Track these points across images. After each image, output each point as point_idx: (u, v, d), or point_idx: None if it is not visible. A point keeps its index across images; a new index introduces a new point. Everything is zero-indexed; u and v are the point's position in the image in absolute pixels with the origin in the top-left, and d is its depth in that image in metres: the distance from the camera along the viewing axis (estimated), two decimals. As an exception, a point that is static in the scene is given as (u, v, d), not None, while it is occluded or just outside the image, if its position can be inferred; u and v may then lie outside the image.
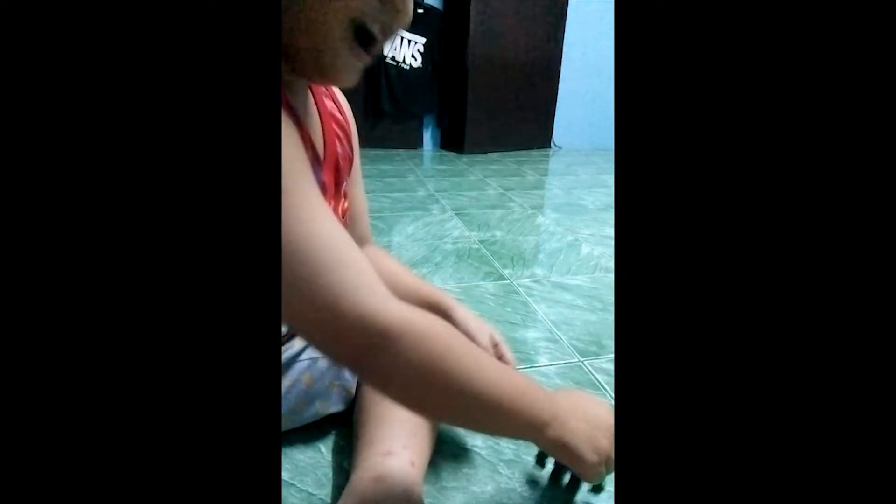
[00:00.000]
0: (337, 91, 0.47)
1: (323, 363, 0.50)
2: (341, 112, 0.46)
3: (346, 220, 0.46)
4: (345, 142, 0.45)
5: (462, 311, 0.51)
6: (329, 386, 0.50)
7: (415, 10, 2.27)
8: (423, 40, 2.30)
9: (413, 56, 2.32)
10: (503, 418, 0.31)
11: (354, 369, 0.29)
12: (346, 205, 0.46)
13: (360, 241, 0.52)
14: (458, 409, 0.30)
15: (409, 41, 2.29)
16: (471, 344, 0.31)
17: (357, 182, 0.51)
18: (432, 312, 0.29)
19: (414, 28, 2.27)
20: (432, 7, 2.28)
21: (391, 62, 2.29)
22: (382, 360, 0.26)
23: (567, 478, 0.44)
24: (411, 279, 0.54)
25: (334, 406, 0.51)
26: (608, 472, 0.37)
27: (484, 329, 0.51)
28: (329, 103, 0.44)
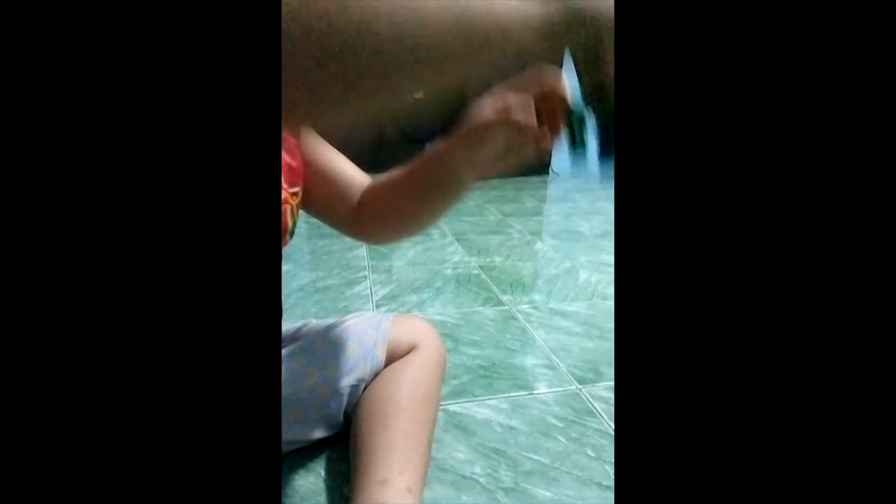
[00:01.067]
0: None
1: (309, 401, 0.50)
2: None
3: (285, 229, 0.44)
4: (289, 144, 0.44)
5: None
6: (314, 417, 0.51)
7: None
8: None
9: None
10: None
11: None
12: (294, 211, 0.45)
13: (363, 184, 0.50)
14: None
15: (413, 71, 2.37)
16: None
17: (327, 153, 0.49)
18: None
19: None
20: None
21: (395, 91, 2.36)
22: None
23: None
24: None
25: (319, 433, 0.52)
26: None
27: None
28: None
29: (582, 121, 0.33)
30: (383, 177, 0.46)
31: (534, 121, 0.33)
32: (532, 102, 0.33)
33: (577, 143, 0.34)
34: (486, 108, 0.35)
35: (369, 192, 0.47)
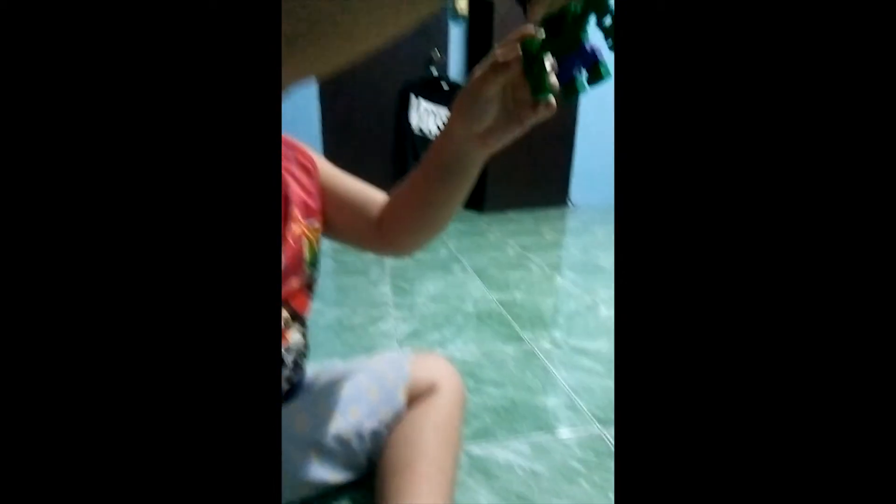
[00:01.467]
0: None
1: (334, 446, 0.51)
2: (292, 148, 0.49)
3: (295, 248, 0.46)
4: (297, 173, 0.48)
5: None
6: (338, 461, 0.52)
7: (440, 86, 2.48)
8: (446, 111, 2.49)
9: (437, 126, 2.50)
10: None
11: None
12: (294, 232, 0.47)
13: (381, 201, 0.52)
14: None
15: (434, 113, 2.48)
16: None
17: (343, 178, 0.53)
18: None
19: (440, 101, 2.47)
20: (457, 84, 2.48)
21: (418, 133, 2.47)
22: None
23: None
24: None
25: (343, 477, 0.52)
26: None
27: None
28: None
29: (535, 61, 0.33)
30: (398, 186, 0.49)
31: (516, 57, 0.33)
32: (517, 47, 0.33)
33: (540, 89, 0.33)
34: (476, 71, 0.36)
35: (388, 203, 0.50)
